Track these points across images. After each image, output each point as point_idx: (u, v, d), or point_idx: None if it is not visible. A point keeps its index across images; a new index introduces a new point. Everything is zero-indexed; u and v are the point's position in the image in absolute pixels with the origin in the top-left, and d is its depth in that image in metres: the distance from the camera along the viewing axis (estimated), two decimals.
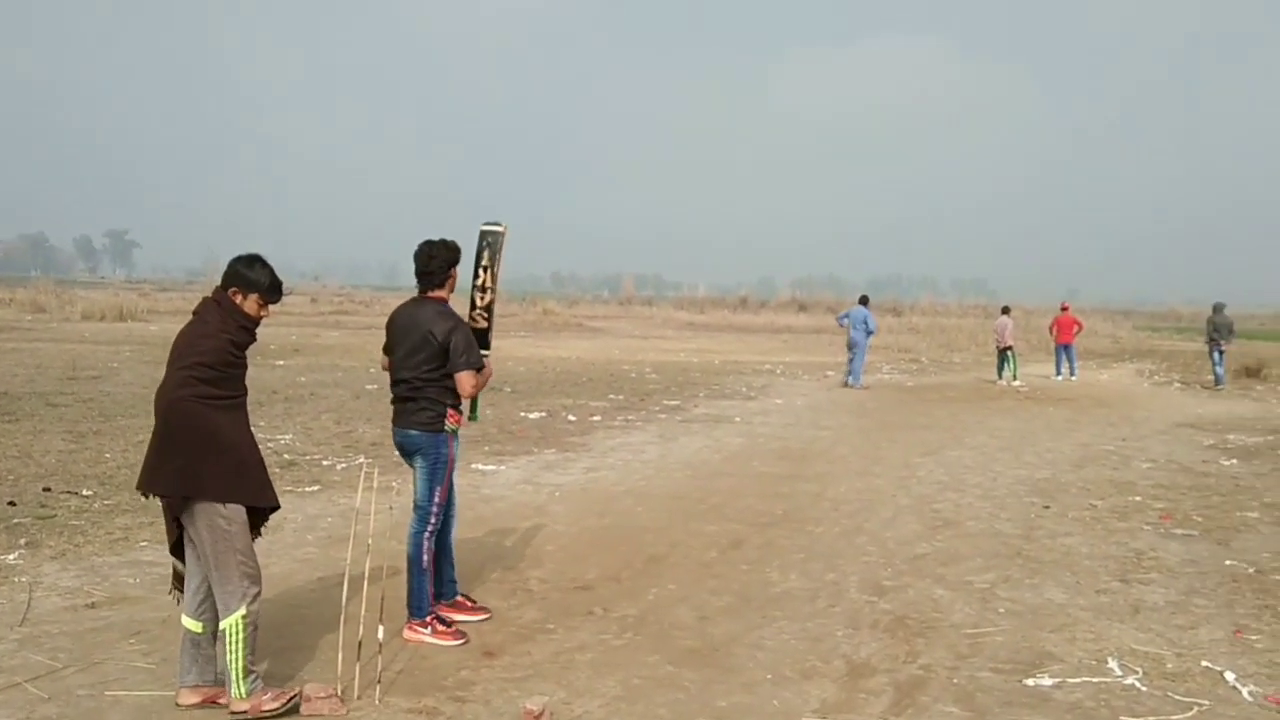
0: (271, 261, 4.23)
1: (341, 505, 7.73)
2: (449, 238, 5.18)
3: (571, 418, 13.61)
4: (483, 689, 4.40)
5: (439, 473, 5.12)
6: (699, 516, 7.90)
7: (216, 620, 4.01)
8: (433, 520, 5.13)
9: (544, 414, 13.84)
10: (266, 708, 3.95)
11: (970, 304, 69.19)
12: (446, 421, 5.08)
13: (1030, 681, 4.62)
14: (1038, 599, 5.92)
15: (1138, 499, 8.93)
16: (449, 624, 5.12)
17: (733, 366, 24.09)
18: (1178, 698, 4.46)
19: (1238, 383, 22.18)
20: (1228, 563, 6.79)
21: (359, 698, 4.18)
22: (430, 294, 5.15)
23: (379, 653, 4.34)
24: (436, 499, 5.13)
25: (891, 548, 7.05)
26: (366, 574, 4.56)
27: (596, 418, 13.72)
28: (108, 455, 9.30)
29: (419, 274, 5.16)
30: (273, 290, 4.15)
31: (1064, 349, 23.17)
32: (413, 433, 5.12)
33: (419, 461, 5.12)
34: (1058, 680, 4.64)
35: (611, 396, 16.44)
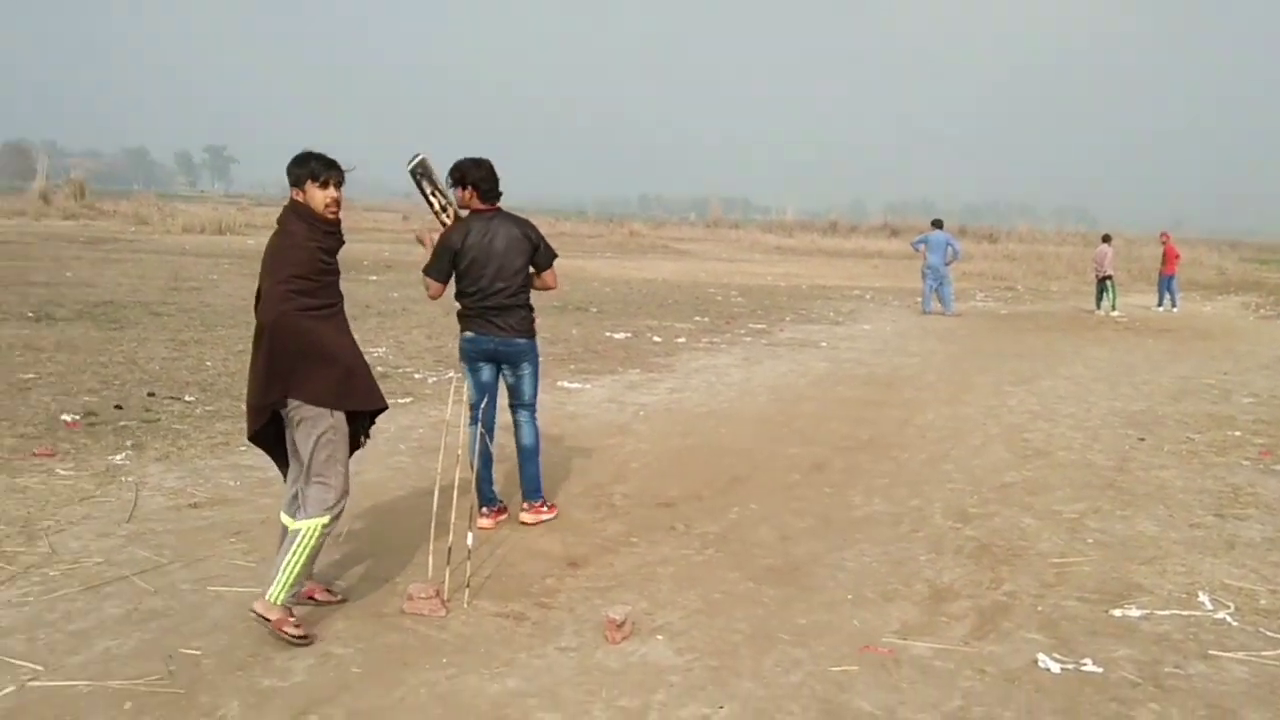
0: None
1: (432, 417, 7.92)
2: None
3: (657, 339, 13.65)
4: (567, 597, 4.51)
5: (538, 375, 5.60)
6: (782, 439, 7.90)
7: None
8: (536, 411, 5.63)
9: (629, 335, 13.90)
10: (286, 629, 3.86)
11: (1070, 232, 66.79)
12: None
13: (1117, 612, 4.56)
14: (1128, 531, 5.81)
15: (1237, 434, 8.65)
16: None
17: (820, 291, 23.82)
18: (1270, 634, 4.36)
19: None
20: None
21: (449, 600, 4.32)
22: (495, 205, 5.33)
23: (468, 559, 4.48)
24: (538, 394, 5.66)
25: (979, 475, 6.97)
26: (456, 483, 4.69)
27: (681, 339, 13.74)
28: (208, 363, 9.66)
29: (491, 192, 5.29)
30: (325, 169, 4.04)
31: (1167, 280, 22.46)
32: (520, 341, 5.38)
33: (526, 367, 5.45)
34: (1145, 612, 4.57)
35: (697, 319, 16.42)
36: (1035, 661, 4.00)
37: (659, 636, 4.12)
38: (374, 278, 20.99)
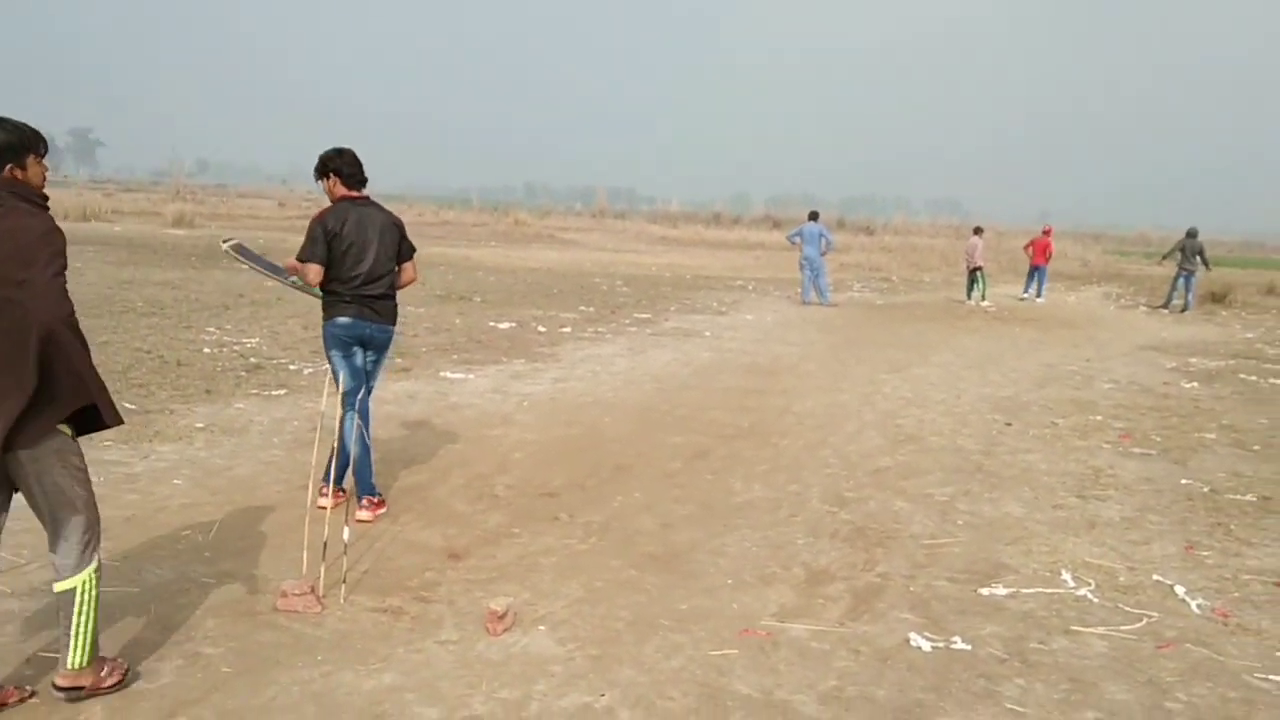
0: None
1: (308, 409, 7.71)
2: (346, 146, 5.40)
3: (541, 329, 13.59)
4: (447, 590, 4.45)
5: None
6: (665, 428, 7.96)
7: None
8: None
9: (514, 324, 13.80)
10: (106, 683, 3.39)
11: (943, 224, 69.06)
12: None
13: (985, 591, 4.74)
14: (996, 512, 6.04)
15: (1098, 418, 9.07)
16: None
17: (704, 282, 24.05)
18: (1128, 609, 4.58)
19: (1202, 308, 22.45)
20: (1183, 481, 6.93)
21: (324, 596, 4.22)
22: (364, 193, 5.39)
23: (344, 554, 4.37)
24: None
25: (854, 461, 7.15)
26: (333, 476, 4.57)
27: (566, 329, 13.70)
28: None
29: (356, 177, 5.34)
30: (32, 142, 3.29)
31: (1036, 270, 23.41)
32: (392, 328, 5.44)
33: (376, 356, 5.49)
34: (1011, 590, 4.76)
35: (582, 308, 16.40)
36: (907, 640, 4.12)
37: (541, 627, 4.10)
38: (247, 266, 20.31)
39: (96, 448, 6.41)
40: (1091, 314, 21.03)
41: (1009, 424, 8.65)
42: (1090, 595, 4.74)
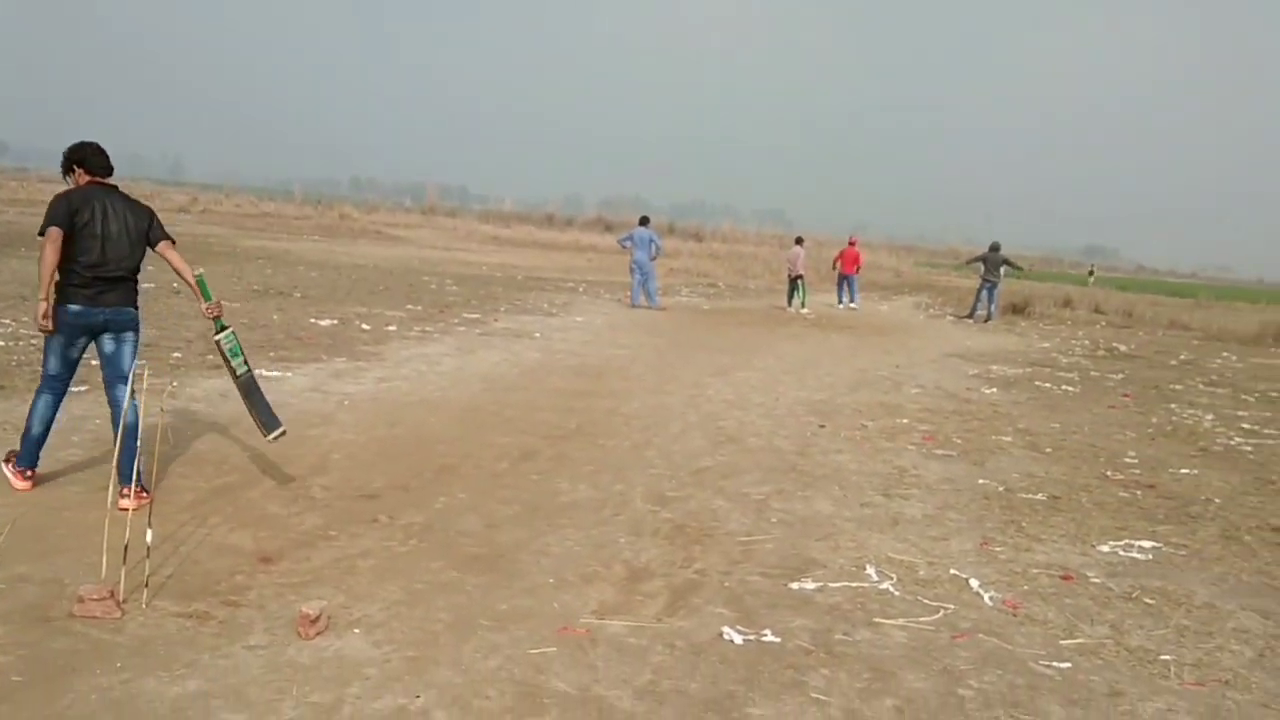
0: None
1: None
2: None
3: (365, 326, 13.27)
4: (258, 594, 4.31)
5: (139, 345, 5.56)
6: (493, 428, 7.92)
7: None
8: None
9: (336, 321, 13.42)
10: None
11: (768, 233, 71.12)
12: None
13: (795, 585, 4.93)
14: (807, 510, 6.29)
15: (905, 421, 9.57)
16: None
17: (536, 283, 24.02)
18: (927, 602, 4.86)
19: (1004, 318, 23.98)
20: (981, 481, 7.40)
21: (125, 601, 4.01)
22: (109, 181, 5.38)
23: (147, 557, 4.17)
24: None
25: (677, 461, 7.30)
26: (135, 475, 4.36)
27: (392, 327, 13.43)
28: None
29: (104, 167, 5.36)
30: None
31: (847, 279, 24.54)
32: (133, 310, 5.38)
33: (130, 337, 5.41)
34: (820, 584, 4.97)
35: (409, 307, 16.11)
36: (721, 634, 4.26)
37: (356, 630, 4.03)
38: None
39: None
40: (903, 322, 22.15)
41: (822, 426, 9.01)
42: (892, 589, 5.00)
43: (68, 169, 5.37)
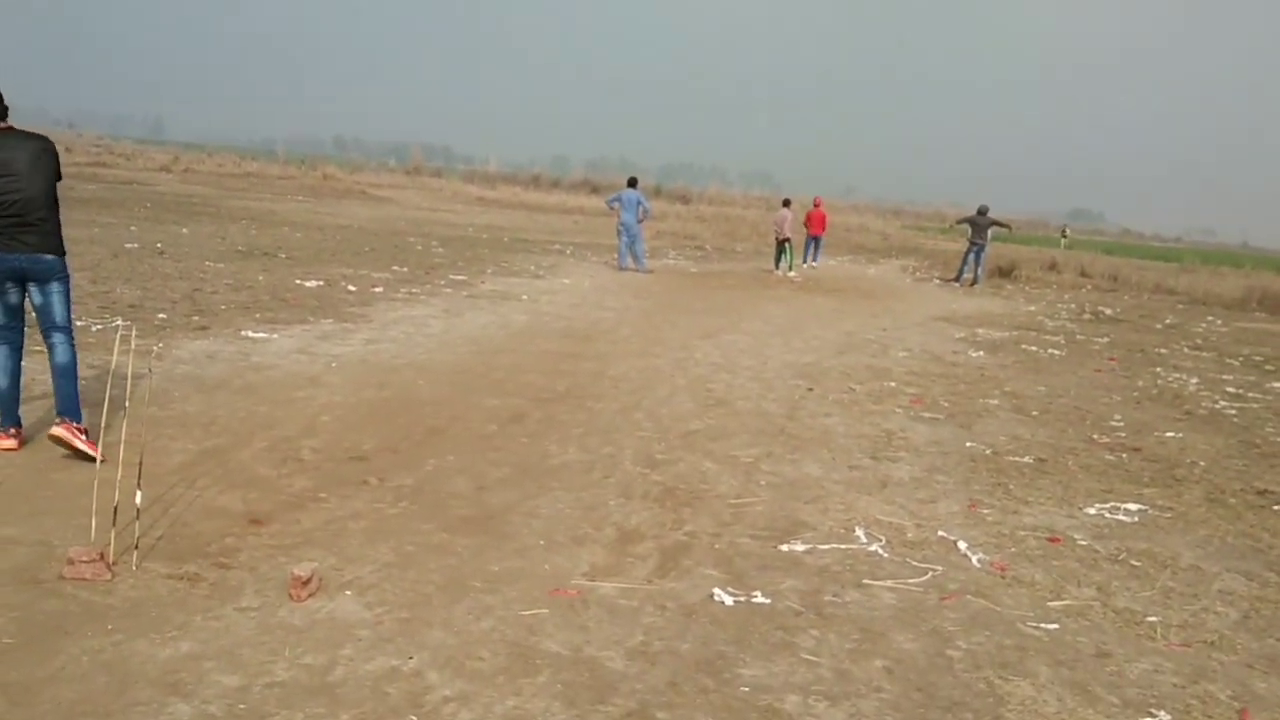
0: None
1: (97, 368, 7.24)
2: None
3: (351, 288, 13.19)
4: (248, 556, 4.30)
5: (69, 295, 5.45)
6: (481, 391, 7.90)
7: None
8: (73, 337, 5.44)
9: (321, 283, 13.34)
10: None
11: (755, 195, 70.88)
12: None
13: (784, 547, 4.96)
14: (796, 473, 6.31)
15: (892, 384, 9.59)
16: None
17: (522, 245, 23.91)
18: (915, 563, 4.90)
19: (990, 282, 24.02)
20: (968, 444, 7.44)
21: (115, 563, 4.00)
22: (8, 123, 5.21)
23: (136, 519, 4.15)
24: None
25: (666, 424, 7.31)
26: (123, 438, 4.33)
27: (378, 289, 13.36)
28: None
29: None
30: None
31: (815, 240, 24.70)
32: (49, 257, 5.25)
33: (56, 287, 5.32)
34: (809, 546, 5.00)
35: (395, 268, 16.01)
36: (711, 596, 4.28)
37: (347, 592, 4.03)
38: None
39: None
40: (889, 286, 22.16)
41: (810, 389, 9.03)
42: (881, 551, 5.03)
43: None
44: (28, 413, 5.77)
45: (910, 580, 4.67)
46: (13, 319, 5.35)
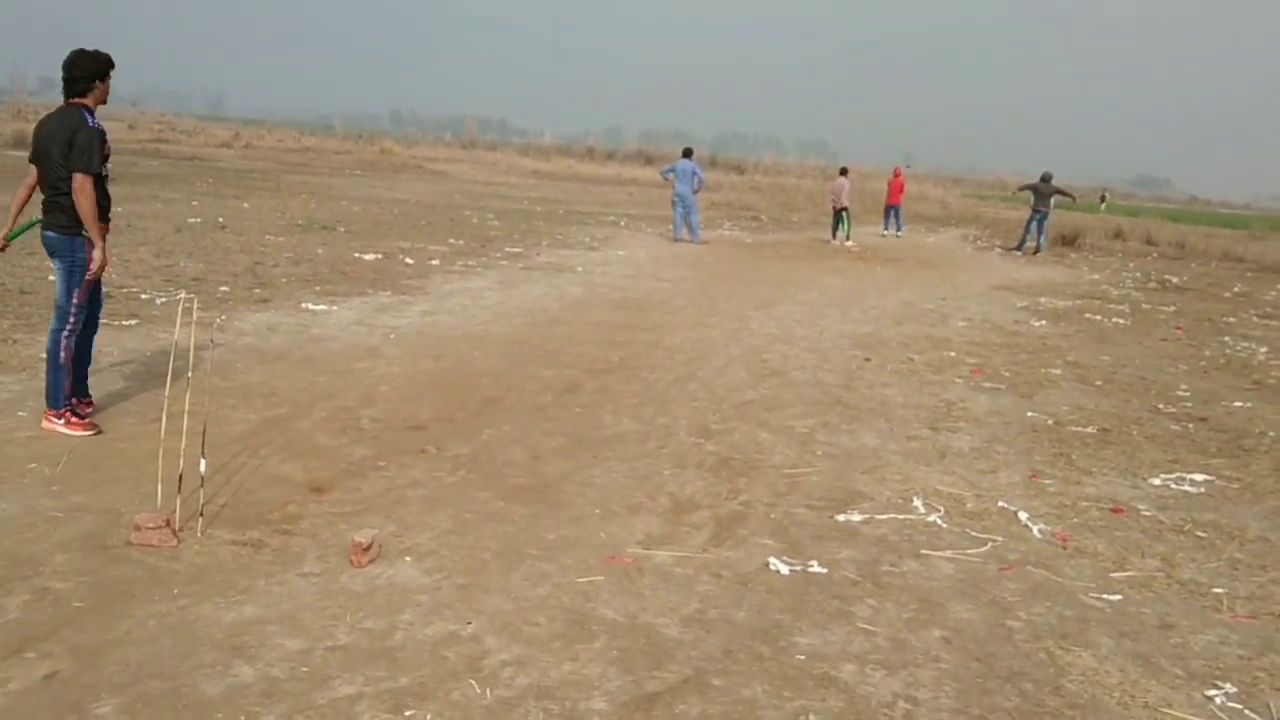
0: None
1: (161, 340, 7.40)
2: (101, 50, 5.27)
3: (409, 261, 13.31)
4: (310, 523, 4.38)
5: (76, 275, 5.24)
6: (536, 361, 7.94)
7: None
8: (71, 321, 5.29)
9: (380, 256, 13.47)
10: None
11: (811, 165, 70.01)
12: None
13: (841, 517, 4.93)
14: (853, 443, 6.26)
15: (952, 354, 9.46)
16: (83, 416, 5.37)
17: (577, 217, 23.92)
18: (974, 534, 4.84)
19: (1053, 250, 23.54)
20: (1029, 414, 7.31)
21: (180, 530, 4.10)
22: (73, 101, 5.21)
23: (201, 486, 4.25)
24: (75, 300, 5.27)
25: (721, 394, 7.29)
26: (187, 408, 4.42)
27: (435, 262, 13.46)
28: None
29: (63, 81, 5.20)
30: None
31: (893, 209, 24.83)
32: (51, 234, 5.26)
33: (57, 263, 5.28)
34: (866, 516, 4.96)
35: (451, 241, 16.12)
36: (767, 565, 4.27)
37: (407, 558, 4.08)
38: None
39: None
40: (949, 255, 21.82)
41: (868, 359, 8.94)
42: (940, 521, 4.98)
43: (96, 80, 5.21)
44: (97, 384, 5.91)
45: (969, 551, 4.62)
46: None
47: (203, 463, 4.27)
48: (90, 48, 5.24)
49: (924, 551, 4.58)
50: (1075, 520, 5.13)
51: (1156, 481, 5.88)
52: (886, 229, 25.18)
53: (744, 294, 12.82)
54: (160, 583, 3.71)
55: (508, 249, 15.77)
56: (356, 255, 13.31)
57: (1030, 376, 8.66)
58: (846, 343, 9.74)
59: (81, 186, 5.04)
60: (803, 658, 3.50)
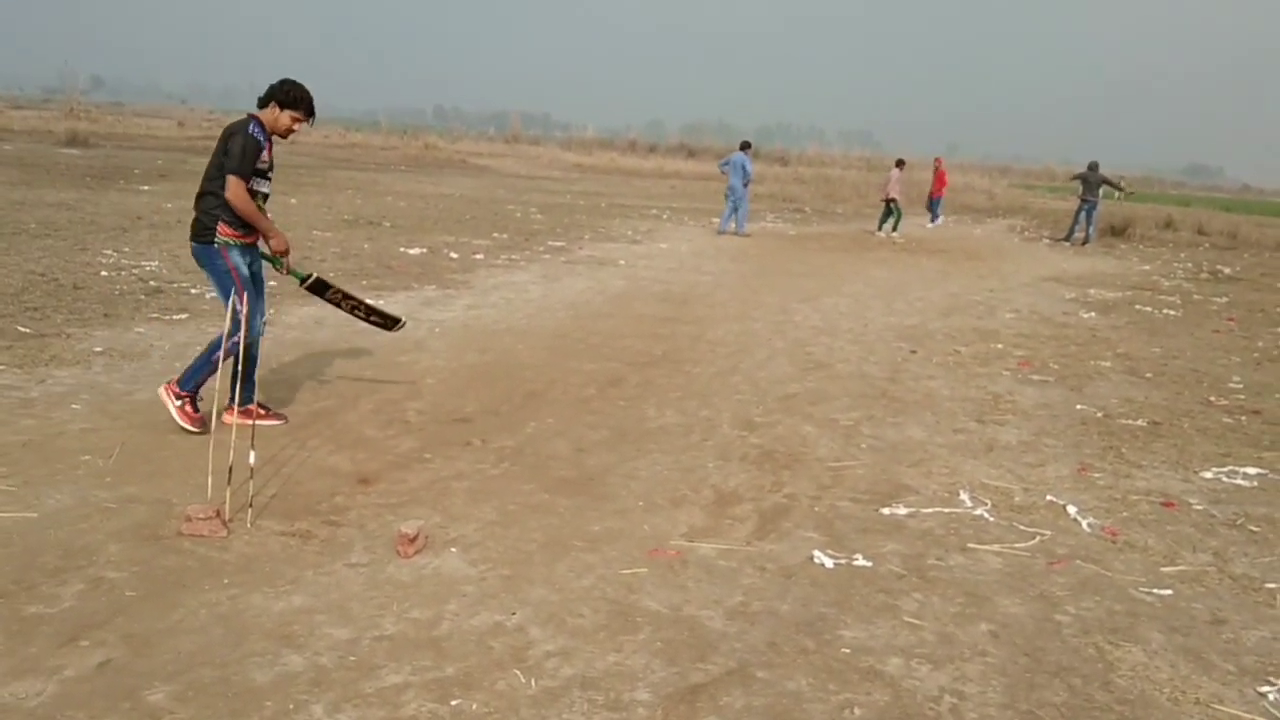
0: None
1: (210, 333, 7.50)
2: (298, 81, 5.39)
3: (453, 255, 13.40)
4: (357, 514, 4.43)
5: (225, 283, 5.23)
6: (579, 355, 7.97)
7: None
8: (242, 328, 5.16)
9: (424, 250, 13.58)
10: None
11: (855, 155, 69.51)
12: (217, 234, 5.16)
13: (886, 511, 4.89)
14: (898, 436, 6.21)
15: (999, 346, 9.35)
16: (198, 410, 5.34)
17: (619, 210, 23.93)
18: (1022, 528, 4.78)
19: (1102, 241, 23.17)
20: (1079, 407, 7.21)
21: (230, 521, 4.17)
22: (252, 113, 5.26)
23: (250, 478, 4.31)
24: (235, 306, 5.06)
25: (764, 387, 7.26)
26: (237, 399, 4.49)
27: (479, 256, 13.54)
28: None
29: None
30: None
31: (935, 201, 24.84)
32: (192, 243, 5.27)
33: (206, 273, 5.31)
34: (912, 510, 4.92)
35: (495, 235, 16.21)
36: (811, 558, 4.25)
37: (453, 549, 4.12)
38: (145, 187, 19.54)
39: None
40: (996, 246, 21.55)
41: (914, 351, 8.86)
42: (987, 515, 4.93)
43: (274, 101, 5.29)
44: (146, 378, 6.02)
45: (1017, 544, 4.57)
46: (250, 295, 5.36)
47: (252, 455, 4.33)
48: (298, 80, 5.42)
49: (971, 545, 4.53)
50: (1125, 514, 5.05)
51: (1208, 475, 5.78)
52: (933, 220, 25.26)
53: (787, 286, 12.76)
54: (211, 573, 3.77)
55: (550, 243, 15.83)
56: (402, 250, 13.42)
57: (1079, 369, 8.54)
58: (892, 335, 9.66)
59: (232, 188, 5.02)
60: (848, 651, 3.48)
